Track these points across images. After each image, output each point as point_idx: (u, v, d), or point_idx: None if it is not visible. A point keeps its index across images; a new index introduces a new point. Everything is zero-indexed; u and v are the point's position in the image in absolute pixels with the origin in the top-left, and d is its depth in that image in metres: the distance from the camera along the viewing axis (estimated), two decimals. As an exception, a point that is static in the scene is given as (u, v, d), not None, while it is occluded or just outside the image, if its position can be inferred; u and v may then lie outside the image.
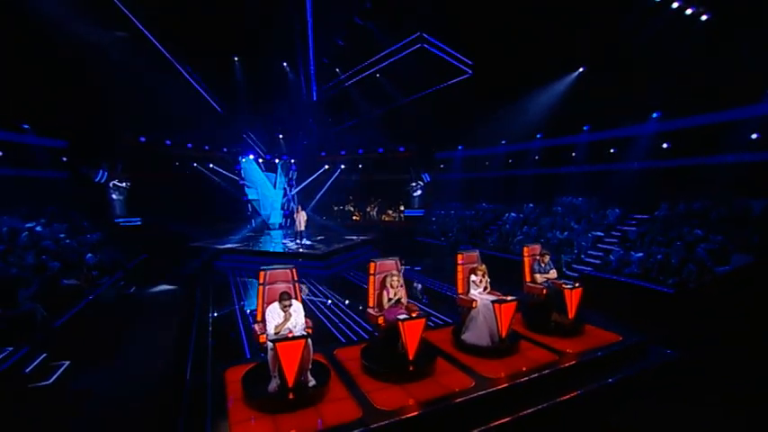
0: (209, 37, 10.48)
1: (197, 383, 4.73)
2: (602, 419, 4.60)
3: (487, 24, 10.93)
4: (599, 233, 11.73)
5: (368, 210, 24.06)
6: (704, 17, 9.12)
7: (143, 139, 14.94)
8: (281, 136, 20.96)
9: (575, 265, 10.78)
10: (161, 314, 8.81)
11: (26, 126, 12.21)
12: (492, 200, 18.05)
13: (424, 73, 14.13)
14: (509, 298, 5.42)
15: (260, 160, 19.85)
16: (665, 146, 11.97)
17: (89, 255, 10.17)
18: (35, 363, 5.14)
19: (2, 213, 10.18)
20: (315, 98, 15.11)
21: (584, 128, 14.17)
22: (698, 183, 10.91)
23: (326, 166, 22.22)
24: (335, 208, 24.59)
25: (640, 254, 9.40)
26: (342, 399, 4.27)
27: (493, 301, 5.36)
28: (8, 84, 10.25)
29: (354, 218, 24.05)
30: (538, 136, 16.07)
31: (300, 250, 13.22)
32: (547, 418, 4.42)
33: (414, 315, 4.72)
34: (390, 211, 23.13)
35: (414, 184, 20.97)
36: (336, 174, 22.43)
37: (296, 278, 4.92)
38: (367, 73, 14.17)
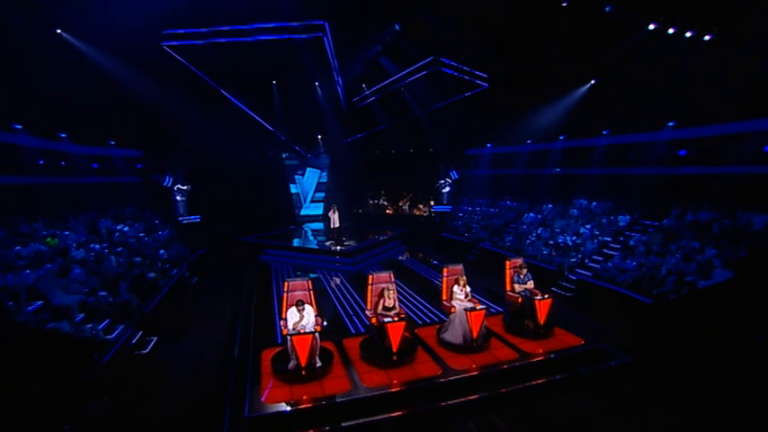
0: (253, 71, 12.37)
1: (242, 359, 6.62)
2: (544, 409, 5.83)
3: (503, 43, 11.67)
4: (607, 238, 12.32)
5: (400, 204, 25.51)
6: (707, 37, 9.33)
7: (200, 149, 17.43)
8: (319, 136, 22.81)
9: (577, 269, 11.56)
10: (216, 301, 10.97)
11: (112, 142, 14.92)
12: (516, 197, 18.71)
13: (447, 83, 15.10)
14: (479, 307, 6.74)
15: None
16: (680, 153, 12.17)
17: (162, 251, 12.59)
18: (136, 337, 7.30)
19: (99, 216, 12.84)
20: (345, 109, 16.64)
21: (604, 132, 14.48)
22: (710, 192, 11.15)
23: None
24: (371, 202, 26.35)
25: (634, 263, 10.08)
26: (340, 377, 5.92)
27: (465, 309, 6.71)
28: (101, 112, 12.72)
29: (388, 212, 25.62)
30: (561, 137, 16.49)
31: (337, 248, 14.82)
32: (494, 403, 5.77)
33: (396, 319, 6.22)
34: (421, 206, 24.41)
35: (442, 181, 22.03)
36: (370, 170, 24.06)
37: (311, 287, 6.58)
38: (391, 89, 15.39)
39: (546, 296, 7.27)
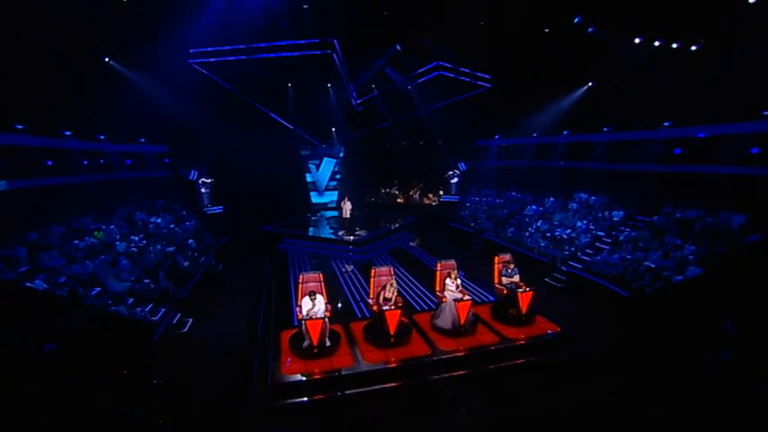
0: (270, 77, 13.40)
1: (264, 338, 7.88)
2: (511, 383, 6.88)
3: (499, 56, 12.25)
4: (600, 232, 13.06)
5: (411, 193, 26.46)
6: (693, 47, 9.77)
7: (221, 143, 18.70)
8: (333, 129, 23.75)
9: (570, 262, 12.39)
10: (241, 286, 12.25)
11: (142, 140, 16.28)
12: (521, 189, 19.41)
13: (452, 84, 15.79)
14: (466, 297, 7.78)
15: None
16: (675, 152, 12.68)
17: (190, 240, 13.97)
18: (175, 319, 8.65)
19: (134, 209, 14.27)
20: (356, 108, 17.53)
21: (605, 129, 14.99)
22: (699, 191, 11.74)
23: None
24: (383, 191, 27.37)
25: (619, 257, 10.88)
26: (345, 354, 7.10)
27: (455, 299, 7.76)
28: (132, 112, 13.99)
29: (399, 200, 26.64)
30: (564, 132, 17.02)
31: (350, 238, 15.92)
32: (474, 378, 6.86)
33: (393, 307, 7.33)
34: (431, 195, 25.32)
35: (451, 172, 22.82)
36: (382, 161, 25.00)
37: (322, 280, 7.74)
38: (399, 89, 16.16)
39: (527, 289, 8.24)
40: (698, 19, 8.78)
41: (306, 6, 8.01)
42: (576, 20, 8.48)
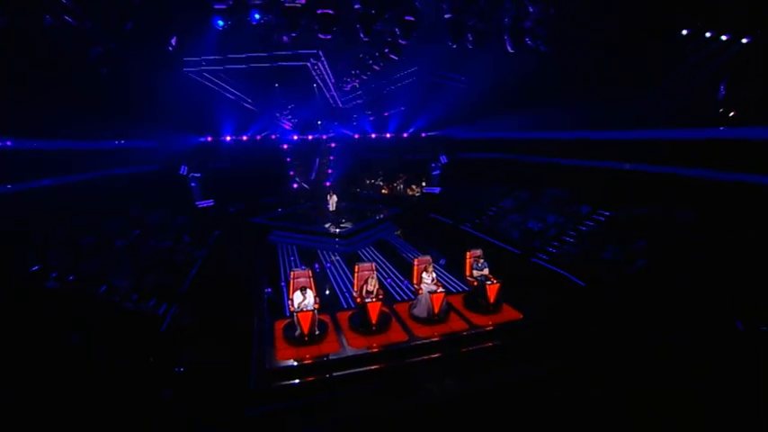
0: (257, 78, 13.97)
1: (260, 328, 8.76)
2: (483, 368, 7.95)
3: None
4: (568, 226, 14.20)
5: (395, 185, 27.31)
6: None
7: (210, 138, 19.16)
8: (319, 122, 24.24)
9: (538, 253, 13.51)
10: (235, 279, 12.96)
11: (134, 136, 16.60)
12: (499, 182, 20.43)
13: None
14: (440, 290, 8.78)
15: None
16: (639, 152, 13.78)
17: (185, 235, 14.60)
18: (177, 311, 9.43)
19: (128, 205, 14.75)
20: (341, 106, 18.17)
21: (576, 128, 16.01)
22: (664, 189, 12.85)
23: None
24: (368, 182, 28.14)
25: (578, 249, 12.04)
26: (333, 341, 8.05)
27: (429, 292, 8.75)
28: (124, 110, 14.34)
29: (383, 191, 27.47)
30: (541, 129, 17.99)
31: (336, 230, 16.69)
32: (446, 360, 7.91)
33: (374, 299, 8.28)
34: (414, 186, 26.22)
35: (433, 164, 23.74)
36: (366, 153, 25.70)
37: (311, 276, 8.62)
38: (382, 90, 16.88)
39: (494, 281, 9.28)
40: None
41: (294, 35, 8.60)
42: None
